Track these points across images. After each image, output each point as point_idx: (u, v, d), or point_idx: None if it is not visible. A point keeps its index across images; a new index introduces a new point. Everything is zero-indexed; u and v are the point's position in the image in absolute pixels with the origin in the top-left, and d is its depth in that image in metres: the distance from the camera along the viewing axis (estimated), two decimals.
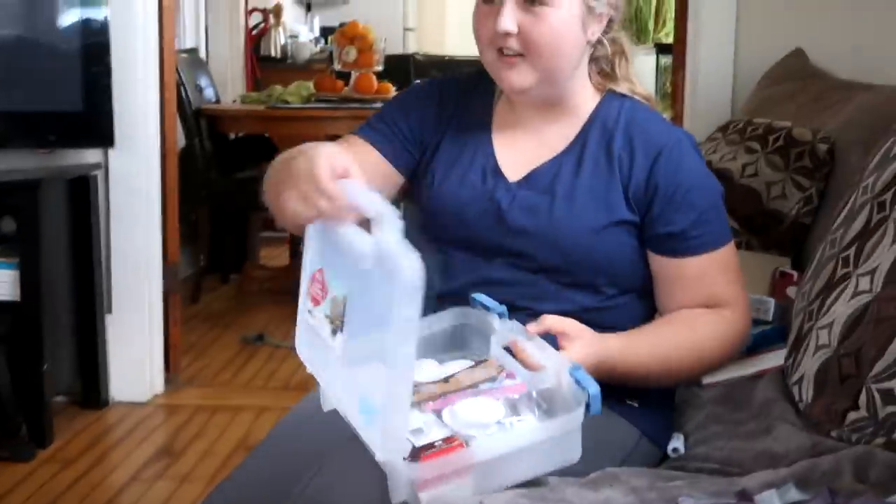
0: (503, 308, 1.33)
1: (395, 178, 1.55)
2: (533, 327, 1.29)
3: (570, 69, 1.48)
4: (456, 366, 1.31)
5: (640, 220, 1.44)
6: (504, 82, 1.46)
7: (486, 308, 1.34)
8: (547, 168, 1.48)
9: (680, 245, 1.44)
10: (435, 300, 1.44)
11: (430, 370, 1.30)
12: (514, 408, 1.21)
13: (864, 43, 2.69)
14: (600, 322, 1.43)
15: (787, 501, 0.99)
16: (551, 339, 1.30)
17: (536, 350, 1.25)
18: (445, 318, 1.36)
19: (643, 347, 1.38)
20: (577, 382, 1.17)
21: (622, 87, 1.53)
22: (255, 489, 1.30)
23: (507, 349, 1.29)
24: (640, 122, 1.48)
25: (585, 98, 1.52)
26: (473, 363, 1.31)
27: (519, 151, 1.51)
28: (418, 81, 1.61)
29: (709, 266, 1.45)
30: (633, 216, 1.44)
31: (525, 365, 1.25)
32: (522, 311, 1.41)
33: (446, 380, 1.28)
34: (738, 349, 1.49)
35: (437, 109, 1.55)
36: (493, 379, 1.26)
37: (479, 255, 1.47)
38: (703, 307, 1.44)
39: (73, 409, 3.16)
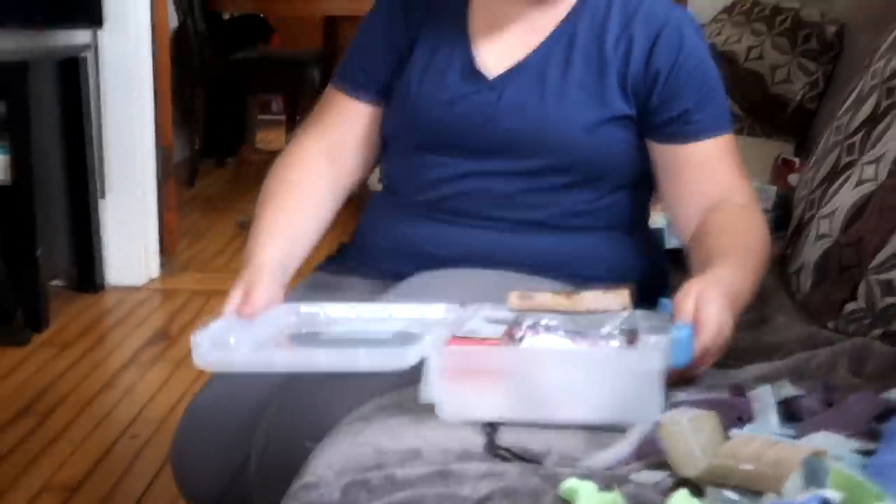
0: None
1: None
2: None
3: None
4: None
5: (637, 112, 1.38)
6: None
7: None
8: (532, 63, 1.40)
9: (683, 129, 1.38)
10: (421, 206, 1.41)
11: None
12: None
13: None
14: (594, 223, 1.40)
15: (781, 396, 0.98)
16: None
17: None
18: None
19: (739, 267, 1.27)
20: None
21: None
22: (242, 389, 1.29)
23: None
24: (633, 4, 1.40)
25: None
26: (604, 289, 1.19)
27: (498, 47, 1.42)
28: None
29: (715, 152, 1.39)
30: (629, 110, 1.38)
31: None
32: (510, 222, 1.38)
33: (569, 295, 1.18)
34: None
35: (403, 14, 1.46)
36: (618, 313, 1.14)
37: (465, 160, 1.40)
38: (715, 199, 1.39)
39: (68, 293, 3.16)
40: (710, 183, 1.38)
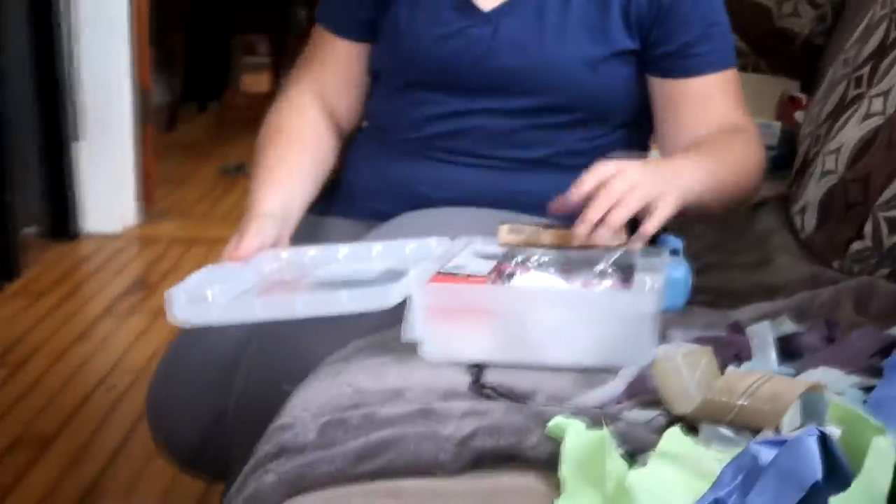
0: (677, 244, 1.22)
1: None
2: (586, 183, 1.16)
3: None
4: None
5: (641, 45, 1.36)
6: None
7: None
8: None
9: (682, 62, 1.36)
10: (412, 145, 1.39)
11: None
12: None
13: None
14: (594, 161, 1.38)
15: (781, 333, 0.97)
16: None
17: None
18: None
19: (703, 160, 1.28)
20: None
21: None
22: (219, 334, 1.28)
23: None
24: None
25: None
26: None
27: None
28: None
29: (715, 87, 1.38)
30: (633, 44, 1.36)
31: None
32: (507, 160, 1.36)
33: (562, 229, 1.17)
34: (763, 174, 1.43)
35: None
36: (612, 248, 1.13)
37: (459, 97, 1.38)
38: (718, 131, 1.37)
39: (42, 241, 3.15)
40: (708, 118, 1.37)
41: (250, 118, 4.65)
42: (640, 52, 1.37)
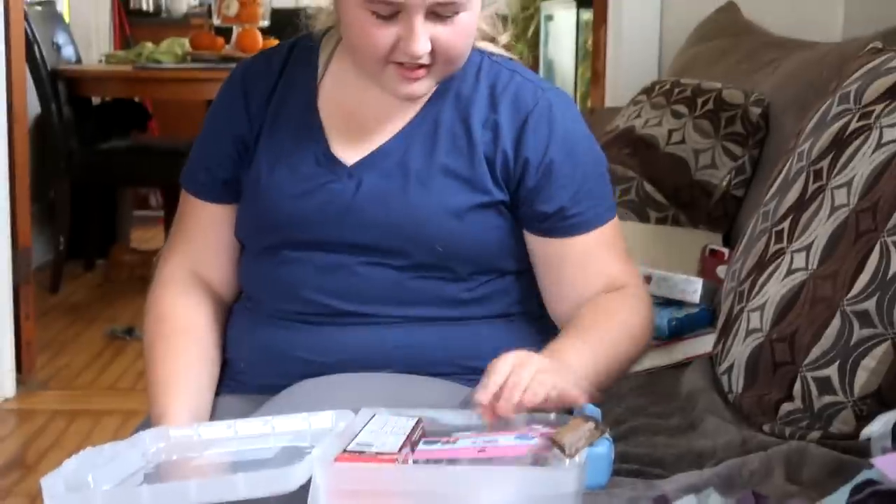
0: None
1: None
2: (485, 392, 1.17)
3: None
4: None
5: (510, 198, 1.41)
6: (399, 93, 1.37)
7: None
8: (393, 146, 1.40)
9: (558, 224, 1.40)
10: (286, 311, 1.41)
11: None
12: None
13: None
14: (482, 311, 1.42)
15: None
16: None
17: None
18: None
19: (589, 349, 1.32)
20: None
21: (479, 43, 1.45)
22: None
23: None
24: (501, 85, 1.41)
25: None
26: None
27: (356, 129, 1.42)
28: (223, 82, 1.52)
29: (595, 245, 1.42)
30: (502, 195, 1.39)
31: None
32: (386, 317, 1.38)
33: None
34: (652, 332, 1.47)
35: (243, 103, 1.46)
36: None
37: (324, 255, 1.40)
38: (599, 292, 1.41)
39: None
40: (591, 278, 1.41)
41: (140, 276, 4.65)
42: (512, 205, 1.41)
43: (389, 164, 1.39)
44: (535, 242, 1.42)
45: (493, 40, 1.47)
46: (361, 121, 1.43)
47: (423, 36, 1.31)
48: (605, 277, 1.41)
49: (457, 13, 1.32)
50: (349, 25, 1.35)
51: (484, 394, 1.15)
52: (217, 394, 1.44)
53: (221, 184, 1.47)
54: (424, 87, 1.37)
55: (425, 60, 1.33)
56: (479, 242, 1.39)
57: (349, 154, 1.41)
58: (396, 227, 1.37)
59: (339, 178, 1.40)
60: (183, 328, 1.44)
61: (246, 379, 1.44)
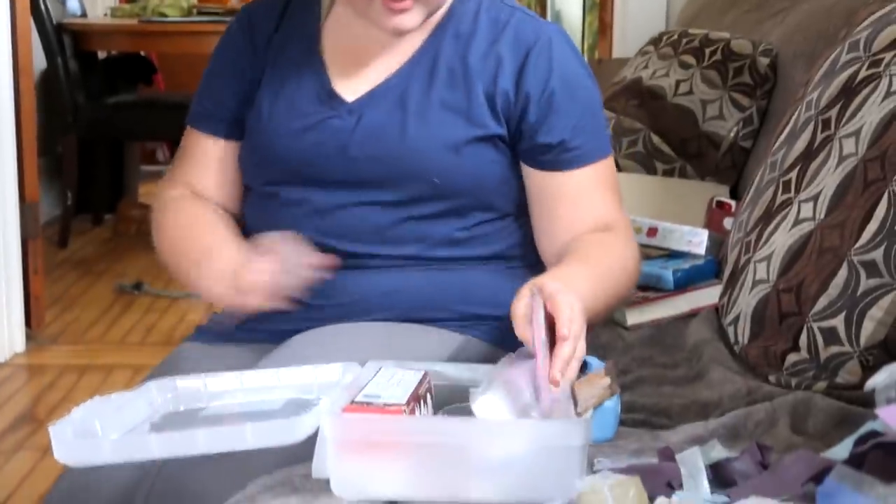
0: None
1: None
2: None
3: None
4: None
5: (509, 132, 1.41)
6: (388, 26, 1.36)
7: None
8: (393, 83, 1.41)
9: (560, 157, 1.41)
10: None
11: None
12: None
13: None
14: (477, 253, 1.42)
15: (712, 459, 0.98)
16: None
17: None
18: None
19: (593, 280, 1.31)
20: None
21: None
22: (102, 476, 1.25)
23: None
24: (502, 21, 1.42)
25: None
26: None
27: (357, 67, 1.43)
28: (231, 20, 1.53)
29: (589, 181, 1.42)
30: (500, 129, 1.40)
31: None
32: (383, 258, 1.38)
33: None
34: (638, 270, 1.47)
35: (250, 38, 1.47)
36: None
37: (325, 192, 1.40)
38: (589, 231, 1.41)
39: None
40: (584, 215, 1.41)
41: (148, 231, 4.61)
42: (510, 140, 1.41)
43: (389, 100, 1.40)
44: (533, 177, 1.42)
45: None
46: (362, 59, 1.44)
47: None
48: (596, 217, 1.41)
49: None
50: None
51: (555, 369, 1.10)
52: (220, 343, 1.45)
53: (226, 119, 1.48)
54: (412, 19, 1.37)
55: None
56: (475, 176, 1.40)
57: (350, 91, 1.42)
58: (394, 160, 1.38)
59: (339, 114, 1.41)
60: (191, 211, 1.47)
61: (245, 326, 1.43)
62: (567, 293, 1.14)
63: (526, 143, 1.40)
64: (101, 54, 4.95)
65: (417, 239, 1.40)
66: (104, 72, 4.83)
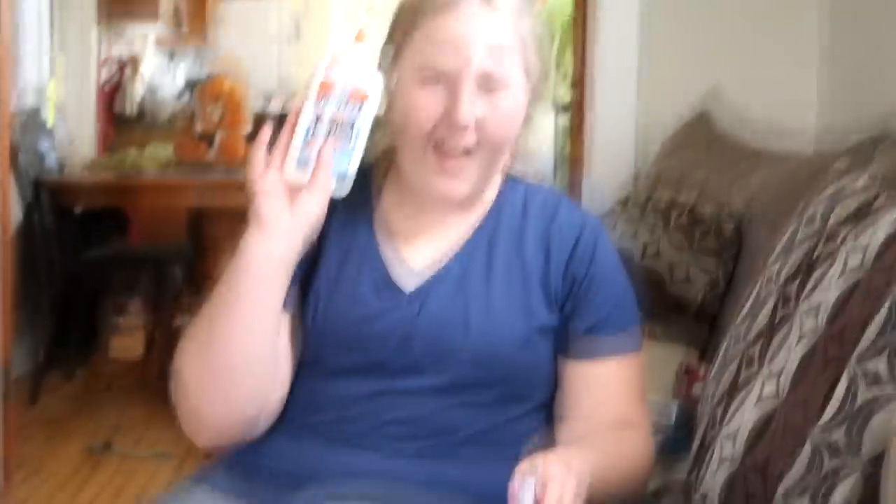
0: None
1: None
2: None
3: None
4: None
5: (559, 322, 1.43)
6: (439, 189, 1.38)
7: None
8: (451, 271, 1.42)
9: (589, 345, 1.43)
10: (312, 426, 1.39)
11: None
12: None
13: (772, 100, 2.76)
14: (501, 439, 1.41)
15: None
16: None
17: None
18: None
19: (598, 460, 1.31)
20: None
21: (517, 165, 1.50)
22: None
23: None
24: (550, 209, 1.46)
25: (492, 187, 1.48)
26: None
27: (414, 256, 1.44)
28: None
29: (616, 377, 1.45)
30: (554, 320, 1.42)
31: None
32: (417, 446, 1.36)
33: None
34: (650, 472, 1.48)
35: None
36: None
37: (377, 379, 1.39)
38: (610, 426, 1.42)
39: None
40: (608, 410, 1.42)
41: (120, 388, 4.58)
42: (557, 329, 1.42)
43: (448, 287, 1.41)
44: (561, 365, 1.44)
45: None
46: (419, 243, 1.45)
47: (469, 103, 1.32)
48: (618, 413, 1.42)
49: (501, 87, 1.34)
50: (398, 99, 1.37)
51: None
52: (219, 490, 1.40)
53: (291, 297, 1.42)
54: (465, 183, 1.38)
55: (469, 140, 1.34)
56: (532, 368, 1.42)
57: (408, 278, 1.42)
58: (456, 354, 1.37)
59: (399, 304, 1.40)
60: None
61: (256, 484, 1.38)
62: (561, 484, 1.14)
63: (566, 329, 1.43)
64: (78, 209, 4.98)
65: (456, 427, 1.38)
66: (80, 226, 4.86)
